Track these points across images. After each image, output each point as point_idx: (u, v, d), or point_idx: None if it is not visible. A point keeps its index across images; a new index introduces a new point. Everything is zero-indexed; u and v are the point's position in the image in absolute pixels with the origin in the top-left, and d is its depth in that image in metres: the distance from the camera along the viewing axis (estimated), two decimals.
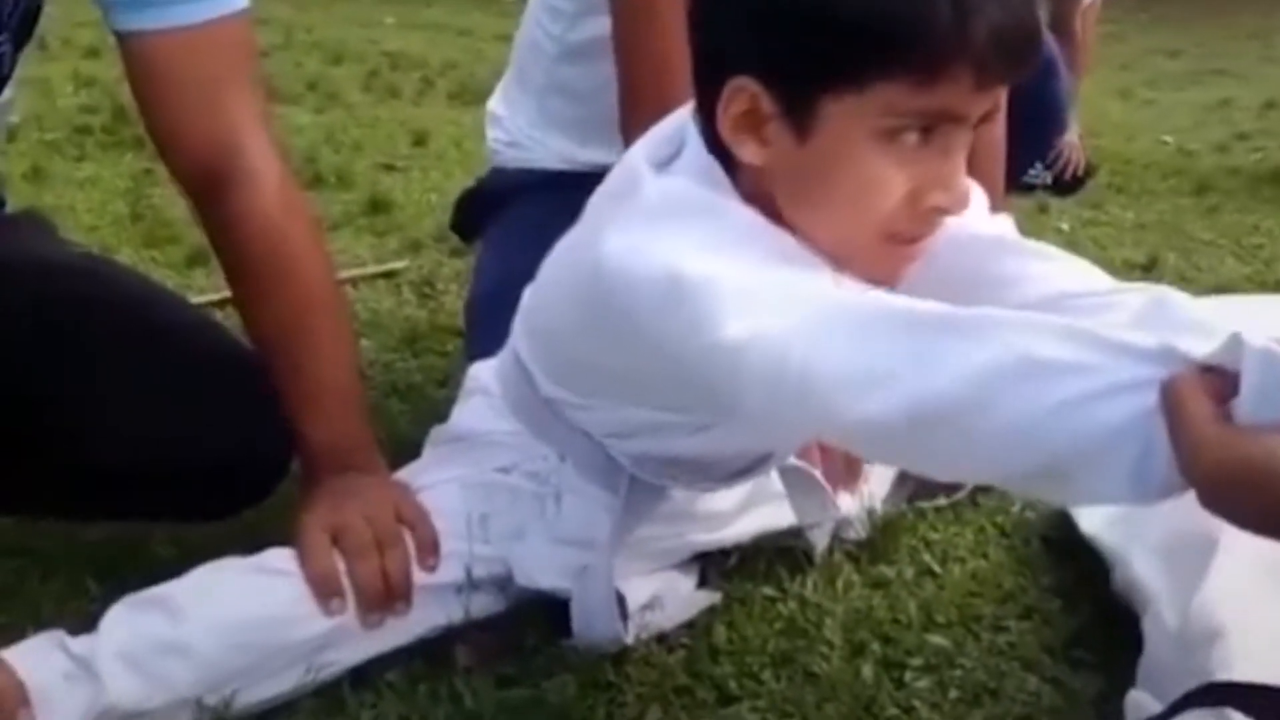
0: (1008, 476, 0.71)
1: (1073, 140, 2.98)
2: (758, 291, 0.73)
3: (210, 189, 1.03)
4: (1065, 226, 2.61)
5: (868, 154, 0.76)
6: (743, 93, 0.78)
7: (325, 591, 0.91)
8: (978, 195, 0.90)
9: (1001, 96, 0.80)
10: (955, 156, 0.78)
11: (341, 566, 0.92)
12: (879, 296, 0.73)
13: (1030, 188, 2.77)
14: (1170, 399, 0.59)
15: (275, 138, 1.08)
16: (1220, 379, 0.59)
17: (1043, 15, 0.85)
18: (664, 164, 0.84)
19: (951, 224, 0.84)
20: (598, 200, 0.87)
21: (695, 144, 0.83)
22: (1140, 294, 0.79)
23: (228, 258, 1.05)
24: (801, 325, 0.70)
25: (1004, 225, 0.90)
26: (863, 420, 0.68)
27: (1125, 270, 2.22)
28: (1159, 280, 2.24)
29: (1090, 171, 3.05)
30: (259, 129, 1.05)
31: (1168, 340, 0.62)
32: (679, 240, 0.76)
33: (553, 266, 0.94)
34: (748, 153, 0.80)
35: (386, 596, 0.93)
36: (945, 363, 0.65)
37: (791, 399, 0.71)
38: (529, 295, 0.99)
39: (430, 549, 0.95)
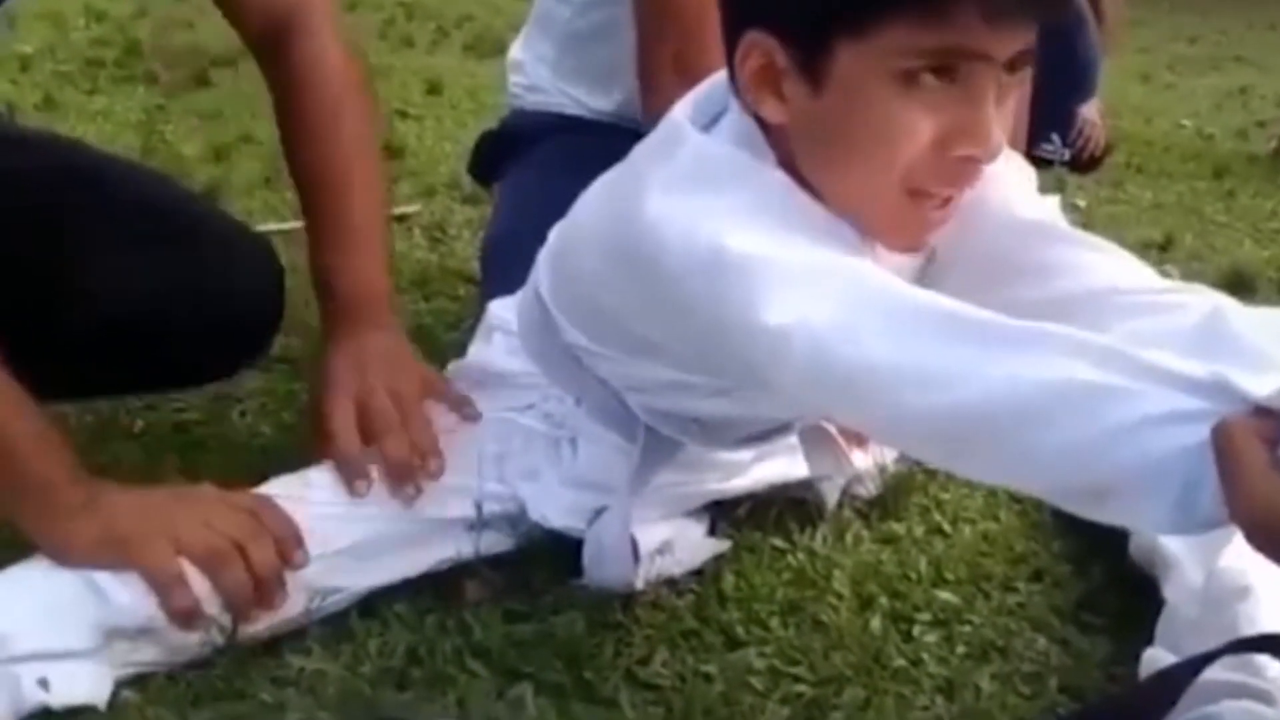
0: (1045, 492, 0.69)
1: (1093, 118, 2.96)
2: (803, 274, 0.71)
3: (274, 40, 1.07)
4: (1082, 203, 2.60)
5: (886, 98, 0.73)
6: (757, 47, 0.77)
7: (353, 474, 0.92)
8: (1027, 174, 0.88)
9: (1029, 40, 0.75)
10: (982, 103, 0.74)
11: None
12: (928, 294, 0.70)
13: (1048, 163, 2.75)
14: (1223, 443, 0.57)
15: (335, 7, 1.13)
16: (1275, 423, 0.57)
17: None
18: (707, 125, 0.82)
19: (998, 206, 0.82)
20: (639, 155, 0.85)
21: (738, 107, 0.81)
22: (1191, 296, 0.75)
23: (283, 98, 1.09)
24: (847, 316, 0.69)
25: (1051, 210, 0.87)
26: (902, 419, 0.67)
27: (1141, 249, 2.20)
28: (1175, 260, 2.24)
29: (1108, 151, 3.02)
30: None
31: (1221, 372, 0.60)
32: (720, 207, 0.74)
33: (587, 213, 0.92)
34: (769, 110, 0.78)
35: (418, 464, 0.94)
36: (994, 374, 0.63)
37: (830, 389, 0.70)
38: (557, 236, 0.97)
39: (459, 403, 0.98)
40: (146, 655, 0.85)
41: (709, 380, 0.88)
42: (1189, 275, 2.02)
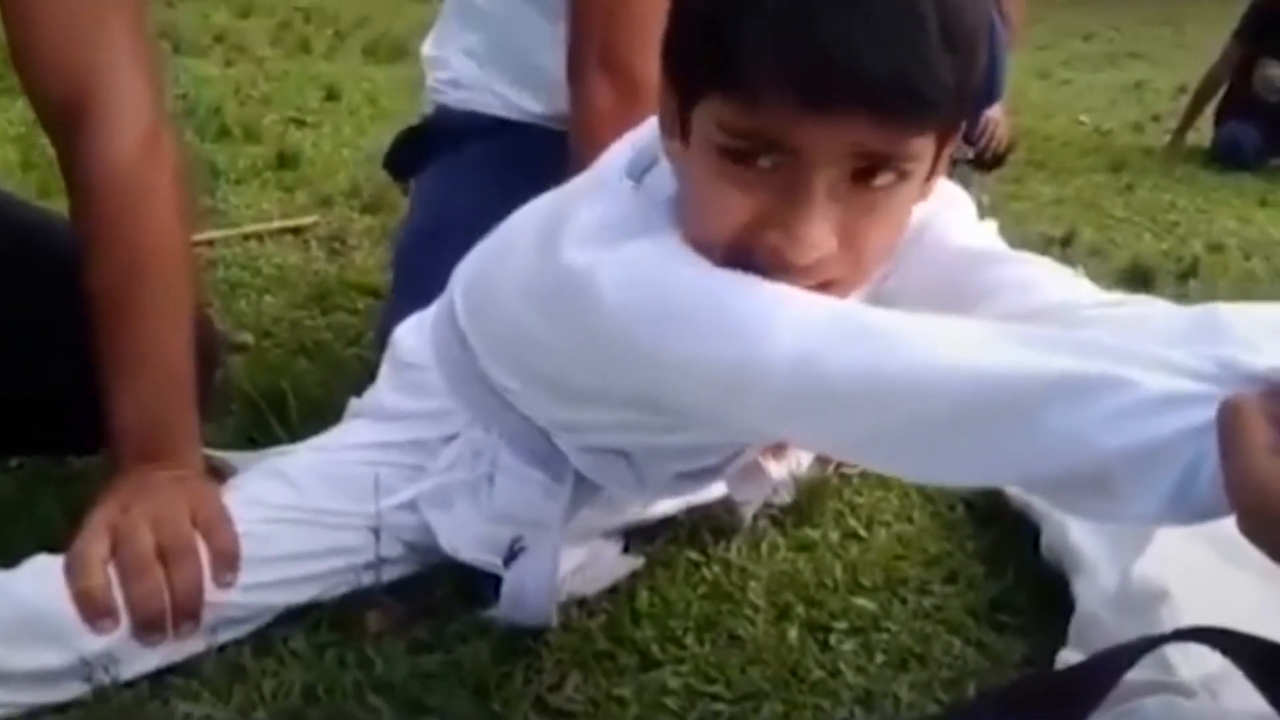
0: (1044, 485, 0.65)
1: (997, 117, 2.99)
2: (753, 303, 0.68)
3: (67, 126, 0.94)
4: (985, 200, 2.63)
5: (711, 167, 0.70)
6: (664, 92, 0.74)
7: (91, 611, 0.80)
8: (964, 205, 0.87)
9: (883, 142, 0.66)
10: (799, 199, 0.67)
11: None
12: (891, 312, 0.68)
13: (952, 161, 2.79)
14: (1229, 418, 0.55)
15: (156, 85, 0.98)
16: None
17: None
18: (641, 173, 0.78)
19: (935, 240, 0.80)
20: (569, 194, 0.81)
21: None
22: (1148, 306, 0.74)
23: (73, 200, 0.95)
24: (822, 335, 0.66)
25: (988, 235, 0.86)
26: (894, 428, 0.64)
27: (1043, 244, 2.24)
28: (1075, 255, 2.27)
29: (1011, 148, 3.07)
30: (133, 72, 0.95)
31: (1224, 354, 0.58)
32: (641, 255, 0.71)
33: (510, 246, 0.85)
34: (669, 150, 0.76)
35: (175, 614, 0.81)
36: (993, 368, 0.61)
37: (809, 411, 0.67)
38: (476, 264, 0.91)
39: (227, 564, 0.84)
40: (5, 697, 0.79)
41: (655, 418, 0.83)
42: (1090, 270, 2.06)
